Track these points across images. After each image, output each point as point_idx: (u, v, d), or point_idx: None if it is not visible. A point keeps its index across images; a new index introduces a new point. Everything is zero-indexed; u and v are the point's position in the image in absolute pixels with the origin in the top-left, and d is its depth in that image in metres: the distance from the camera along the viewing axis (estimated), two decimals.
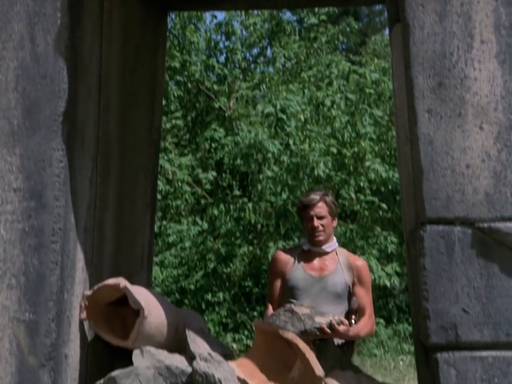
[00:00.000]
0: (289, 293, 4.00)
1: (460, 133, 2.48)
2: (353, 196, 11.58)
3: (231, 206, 12.20)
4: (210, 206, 12.65)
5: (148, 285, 3.39)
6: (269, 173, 11.04)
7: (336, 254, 4.18)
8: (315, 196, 4.19)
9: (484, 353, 2.42)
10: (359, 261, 4.21)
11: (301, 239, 4.70)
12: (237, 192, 12.39)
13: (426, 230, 2.48)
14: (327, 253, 4.11)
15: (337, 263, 4.12)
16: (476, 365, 2.41)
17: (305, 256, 4.16)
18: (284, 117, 10.99)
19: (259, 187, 11.64)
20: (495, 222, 2.44)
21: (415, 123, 2.52)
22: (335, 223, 4.26)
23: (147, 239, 3.38)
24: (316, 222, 4.10)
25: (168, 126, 12.67)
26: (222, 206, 12.32)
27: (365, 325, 3.88)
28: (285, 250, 4.57)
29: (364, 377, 2.75)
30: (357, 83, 11.36)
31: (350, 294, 4.00)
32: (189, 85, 13.69)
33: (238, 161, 11.89)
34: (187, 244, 12.38)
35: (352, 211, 12.90)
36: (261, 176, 11.39)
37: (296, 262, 4.14)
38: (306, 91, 11.92)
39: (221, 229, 12.32)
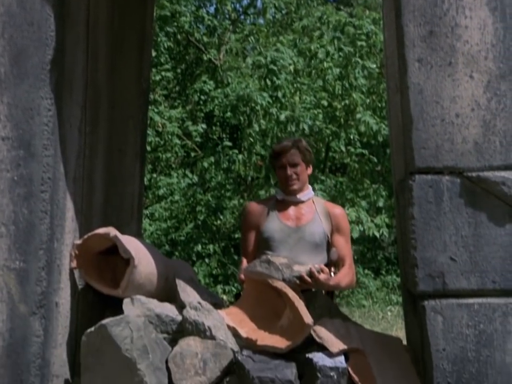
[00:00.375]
0: (265, 245, 3.83)
1: (450, 82, 2.48)
2: (343, 148, 11.59)
3: (221, 159, 12.18)
4: (200, 159, 12.64)
5: (138, 235, 3.40)
6: (257, 128, 11.00)
7: (313, 203, 3.99)
8: (287, 143, 3.96)
9: (470, 300, 2.45)
10: (337, 209, 4.01)
11: (275, 188, 4.28)
12: (227, 143, 12.36)
13: (415, 179, 2.49)
14: (302, 202, 3.93)
15: (314, 212, 3.92)
16: (462, 311, 2.44)
17: (280, 206, 3.96)
18: (275, 68, 10.90)
19: (249, 140, 11.62)
20: (483, 171, 2.45)
21: (405, 72, 2.50)
22: (310, 170, 4.03)
23: (137, 189, 3.38)
24: (289, 170, 3.88)
25: (157, 78, 12.59)
26: (212, 159, 12.30)
27: (345, 275, 3.71)
28: (258, 201, 4.29)
29: (352, 325, 2.78)
30: (351, 35, 11.25)
31: (329, 245, 3.84)
32: (179, 36, 13.56)
33: (228, 114, 11.85)
34: (177, 197, 12.40)
35: (342, 164, 12.94)
36: (248, 132, 11.36)
37: (271, 212, 3.92)
38: (297, 42, 11.82)
39: (211, 181, 12.33)
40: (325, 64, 11.04)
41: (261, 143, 11.35)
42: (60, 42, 2.49)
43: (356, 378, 2.56)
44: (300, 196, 3.93)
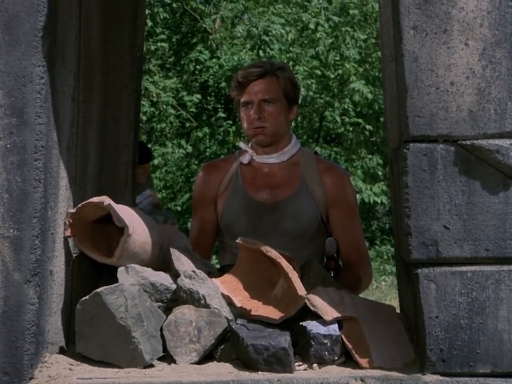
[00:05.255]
0: (225, 233, 2.96)
1: (445, 49, 2.46)
2: (337, 118, 11.59)
3: (216, 130, 12.21)
4: (195, 129, 12.64)
5: (132, 204, 3.40)
6: None
7: (298, 163, 2.87)
8: (258, 68, 2.74)
9: (464, 268, 2.46)
10: (333, 173, 2.90)
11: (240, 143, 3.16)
12: (221, 115, 12.37)
13: (410, 147, 2.48)
14: (281, 163, 2.86)
15: (300, 178, 2.86)
16: (455, 279, 2.45)
17: (247, 170, 2.89)
18: (267, 39, 10.89)
19: None
20: (477, 139, 2.45)
21: (400, 40, 2.49)
22: (293, 113, 2.87)
23: (131, 158, 3.37)
24: (255, 111, 2.71)
25: (152, 48, 12.54)
26: (206, 129, 12.32)
27: (351, 276, 2.93)
28: (215, 164, 3.07)
29: (345, 293, 2.80)
30: (340, 4, 11.22)
31: (325, 227, 2.99)
32: (174, 5, 13.48)
33: (223, 84, 11.85)
34: (172, 167, 12.42)
35: (337, 134, 12.94)
36: None
37: (233, 181, 2.89)
38: (290, 11, 11.79)
39: (205, 152, 12.35)
40: (317, 34, 11.03)
41: None
42: (52, 9, 2.46)
43: (349, 345, 2.58)
44: (277, 156, 2.86)
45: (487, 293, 2.44)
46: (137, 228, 2.74)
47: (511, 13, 2.42)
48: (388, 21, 2.67)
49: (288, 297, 2.64)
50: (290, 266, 2.70)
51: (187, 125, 13.10)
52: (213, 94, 13.31)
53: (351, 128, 11.97)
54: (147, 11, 12.22)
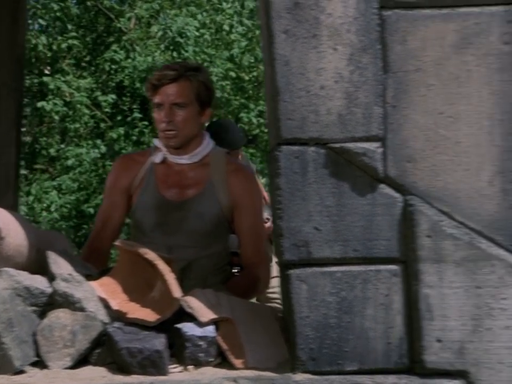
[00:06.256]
0: (137, 227, 2.98)
1: (315, 54, 2.50)
2: (253, 120, 11.66)
3: (131, 130, 12.11)
4: (110, 129, 12.51)
5: (15, 206, 3.33)
6: None
7: (209, 163, 2.93)
8: (170, 72, 2.79)
9: (334, 269, 2.50)
10: (241, 172, 2.99)
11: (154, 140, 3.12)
12: (137, 115, 12.27)
13: (282, 150, 2.51)
14: (192, 163, 2.91)
15: (208, 179, 2.90)
16: (325, 279, 2.49)
17: (160, 169, 2.92)
18: (182, 40, 10.87)
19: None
20: (346, 142, 2.49)
21: (272, 44, 2.51)
22: (205, 116, 2.92)
23: (13, 159, 3.30)
24: (166, 115, 2.78)
25: (64, 46, 12.33)
26: (121, 130, 12.21)
27: (250, 277, 2.99)
28: (132, 157, 3.14)
29: (223, 295, 2.81)
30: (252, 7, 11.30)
31: (229, 226, 3.06)
32: (88, 3, 13.30)
33: (138, 84, 11.76)
34: (86, 167, 12.24)
35: (253, 135, 13.01)
36: None
37: (146, 177, 2.89)
38: (204, 14, 11.80)
39: (120, 152, 12.23)
40: (232, 36, 11.07)
41: None
42: None
43: (225, 346, 2.59)
44: (188, 157, 2.92)
45: (355, 292, 2.49)
46: (11, 230, 2.69)
47: (376, 20, 2.47)
48: (263, 25, 2.69)
49: (164, 299, 2.63)
50: (168, 269, 2.69)
51: (102, 125, 12.95)
52: (128, 94, 13.19)
53: (266, 130, 12.06)
54: (56, 5, 12.03)
